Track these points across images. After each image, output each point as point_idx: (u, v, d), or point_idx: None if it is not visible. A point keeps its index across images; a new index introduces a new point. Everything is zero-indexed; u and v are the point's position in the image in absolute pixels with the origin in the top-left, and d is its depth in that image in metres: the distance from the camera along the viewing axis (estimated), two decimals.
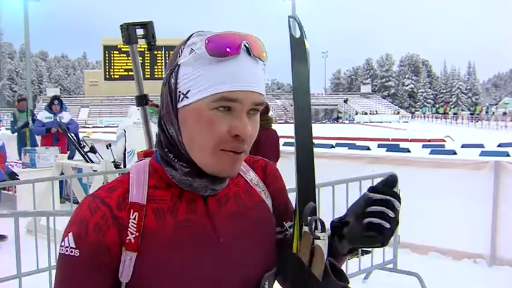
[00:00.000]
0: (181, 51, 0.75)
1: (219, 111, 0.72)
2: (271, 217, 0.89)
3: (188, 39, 0.76)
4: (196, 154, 0.75)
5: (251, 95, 0.72)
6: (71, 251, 0.72)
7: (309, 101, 0.83)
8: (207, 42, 0.71)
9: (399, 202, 0.77)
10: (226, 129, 0.72)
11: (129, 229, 0.74)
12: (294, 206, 0.84)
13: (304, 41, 0.81)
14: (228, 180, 0.82)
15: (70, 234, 0.73)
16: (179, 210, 0.78)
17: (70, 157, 7.01)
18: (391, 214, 0.76)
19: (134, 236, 0.74)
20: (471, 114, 42.98)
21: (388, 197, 0.77)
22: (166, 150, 0.79)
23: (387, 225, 0.76)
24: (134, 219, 0.74)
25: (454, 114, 45.54)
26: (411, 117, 54.49)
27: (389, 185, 0.79)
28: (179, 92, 0.73)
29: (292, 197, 0.88)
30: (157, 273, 0.74)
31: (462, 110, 56.61)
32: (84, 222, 0.73)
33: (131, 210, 0.75)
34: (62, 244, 0.74)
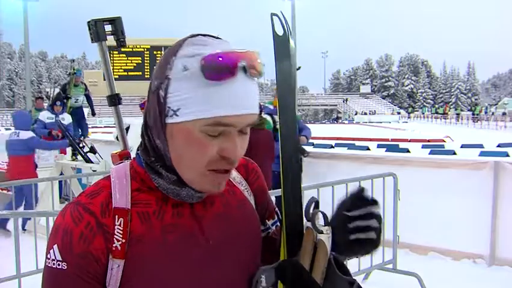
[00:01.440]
0: (172, 63, 0.69)
1: (210, 134, 0.69)
2: (256, 215, 0.88)
3: (180, 46, 0.70)
4: (183, 171, 0.73)
5: (245, 118, 0.70)
6: (58, 264, 0.70)
7: (293, 98, 0.82)
8: (202, 63, 0.66)
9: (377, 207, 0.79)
10: (216, 150, 0.70)
11: (115, 236, 0.71)
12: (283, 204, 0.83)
13: (289, 38, 0.80)
14: None
15: (55, 247, 0.71)
16: (166, 213, 0.75)
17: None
18: (375, 225, 0.78)
19: (120, 242, 0.71)
20: (472, 114, 42.96)
21: (368, 210, 0.78)
22: (153, 159, 0.75)
23: (374, 235, 0.77)
24: (119, 225, 0.72)
25: (457, 114, 45.51)
26: (407, 117, 54.31)
27: (360, 198, 0.80)
28: (169, 107, 0.69)
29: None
30: (146, 279, 0.72)
31: (461, 110, 56.56)
32: (68, 233, 0.70)
33: (116, 216, 0.72)
34: (48, 257, 0.72)
